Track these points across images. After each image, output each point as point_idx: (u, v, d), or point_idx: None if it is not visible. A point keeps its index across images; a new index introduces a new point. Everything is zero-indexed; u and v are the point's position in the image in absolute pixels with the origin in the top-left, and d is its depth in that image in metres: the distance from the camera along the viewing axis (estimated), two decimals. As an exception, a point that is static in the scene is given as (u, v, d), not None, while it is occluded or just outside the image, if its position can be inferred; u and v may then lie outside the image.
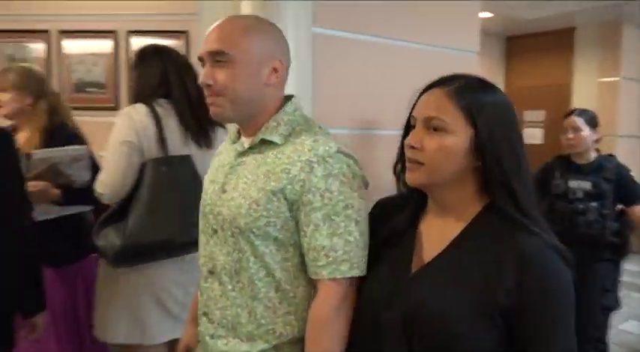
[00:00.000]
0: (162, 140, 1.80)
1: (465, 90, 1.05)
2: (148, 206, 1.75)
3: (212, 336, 1.27)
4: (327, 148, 1.18)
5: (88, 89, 3.74)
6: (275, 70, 1.22)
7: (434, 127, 1.04)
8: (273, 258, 1.19)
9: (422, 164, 1.04)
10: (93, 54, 3.67)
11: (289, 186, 1.16)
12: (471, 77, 1.09)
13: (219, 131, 1.96)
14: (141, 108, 1.83)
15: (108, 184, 1.80)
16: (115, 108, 3.66)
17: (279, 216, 1.17)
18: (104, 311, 1.92)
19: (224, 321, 1.25)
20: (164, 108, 1.86)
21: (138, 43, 3.46)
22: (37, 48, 3.66)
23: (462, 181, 1.06)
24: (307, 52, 3.31)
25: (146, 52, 1.99)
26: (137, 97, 1.91)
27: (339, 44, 3.48)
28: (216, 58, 1.19)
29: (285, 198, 1.16)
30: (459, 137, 1.03)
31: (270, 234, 1.18)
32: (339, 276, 1.14)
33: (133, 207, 1.76)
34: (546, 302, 0.95)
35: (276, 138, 1.22)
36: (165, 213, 1.76)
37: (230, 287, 1.23)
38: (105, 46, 3.65)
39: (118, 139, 1.80)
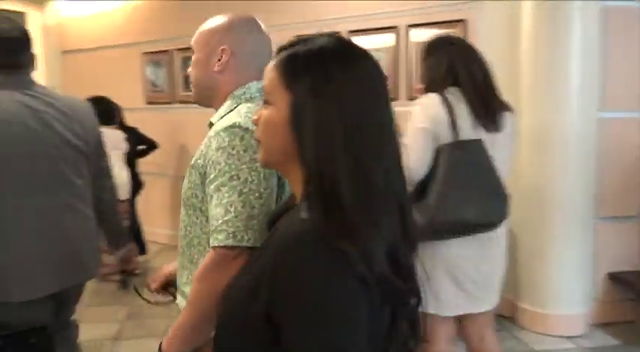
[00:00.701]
0: (454, 126, 1.90)
1: (295, 56, 0.87)
2: (446, 187, 1.85)
3: (180, 294, 1.36)
4: (225, 123, 1.19)
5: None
6: (221, 57, 1.31)
7: (264, 100, 0.92)
8: (203, 229, 1.26)
9: (260, 142, 0.94)
10: (377, 49, 3.81)
11: (199, 161, 1.24)
12: (325, 40, 0.88)
13: (507, 115, 1.98)
14: (434, 98, 1.96)
15: (407, 167, 1.96)
16: (394, 98, 3.83)
17: (197, 188, 1.24)
18: None
19: (179, 281, 1.37)
20: (454, 95, 1.94)
21: (416, 35, 3.66)
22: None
23: (293, 162, 0.87)
24: (594, 28, 3.07)
25: (433, 44, 2.09)
26: (429, 87, 2.01)
27: (633, 16, 3.17)
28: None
29: (199, 172, 1.23)
30: (277, 108, 0.87)
31: (196, 205, 1.26)
32: (215, 244, 1.13)
33: (432, 187, 1.88)
34: (290, 303, 0.76)
35: (214, 119, 1.31)
36: (461, 194, 1.85)
37: (180, 251, 1.35)
38: (387, 40, 3.80)
39: (415, 126, 1.96)
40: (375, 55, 3.36)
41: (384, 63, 3.89)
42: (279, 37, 4.01)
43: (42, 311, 1.80)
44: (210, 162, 1.18)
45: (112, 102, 4.35)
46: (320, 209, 0.79)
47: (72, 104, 1.88)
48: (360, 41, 3.85)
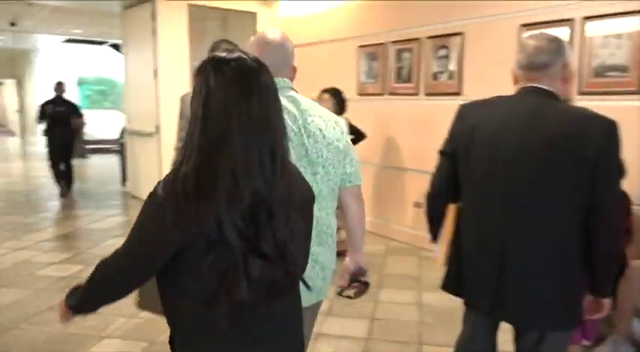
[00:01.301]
0: None
1: (200, 63, 1.15)
2: None
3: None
4: None
5: (607, 73, 3.52)
6: None
7: None
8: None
9: None
10: (617, 35, 3.42)
11: None
12: (227, 54, 1.15)
13: None
14: None
15: None
16: (637, 92, 3.38)
17: None
18: None
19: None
20: None
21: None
22: (562, 33, 3.50)
23: None
24: None
25: None
26: None
27: None
28: None
29: None
30: None
31: None
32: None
33: None
34: None
35: None
36: None
37: None
38: (631, 25, 3.35)
39: None
40: (614, 43, 2.97)
41: (626, 51, 3.44)
42: (508, 24, 3.74)
43: None
44: None
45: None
46: (171, 173, 1.11)
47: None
48: (597, 27, 3.46)
